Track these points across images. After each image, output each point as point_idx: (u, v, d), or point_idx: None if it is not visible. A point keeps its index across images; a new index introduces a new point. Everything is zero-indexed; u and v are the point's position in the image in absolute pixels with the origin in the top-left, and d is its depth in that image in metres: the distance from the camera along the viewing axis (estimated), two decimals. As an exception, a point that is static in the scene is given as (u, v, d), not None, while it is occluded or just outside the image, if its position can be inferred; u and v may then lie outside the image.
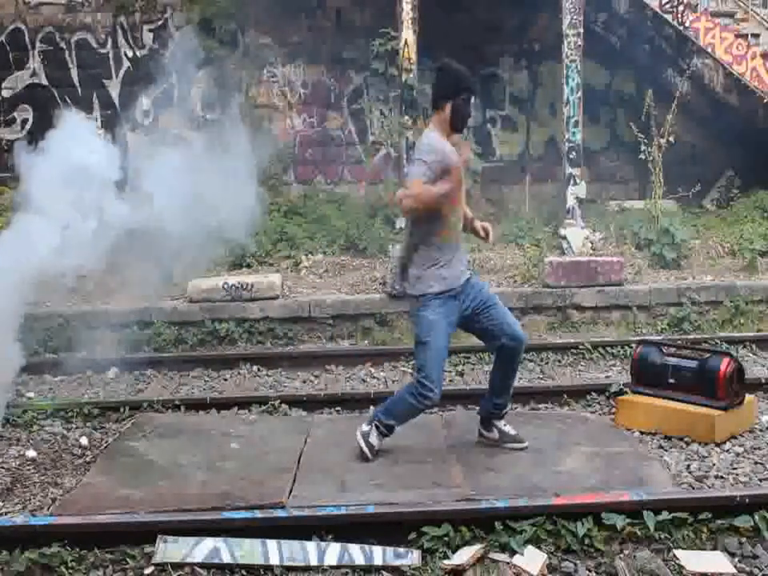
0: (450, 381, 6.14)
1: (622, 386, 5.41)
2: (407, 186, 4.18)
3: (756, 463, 4.41)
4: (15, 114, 10.49)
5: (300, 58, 10.47)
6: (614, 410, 5.17)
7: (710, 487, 4.13)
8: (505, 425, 4.63)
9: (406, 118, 9.23)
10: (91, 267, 5.39)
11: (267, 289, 7.48)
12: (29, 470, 4.58)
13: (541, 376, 6.26)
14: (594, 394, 5.52)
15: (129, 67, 10.48)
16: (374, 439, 4.44)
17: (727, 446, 4.64)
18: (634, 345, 5.68)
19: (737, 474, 4.27)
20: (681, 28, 10.16)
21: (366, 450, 4.42)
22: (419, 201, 4.09)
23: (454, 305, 4.30)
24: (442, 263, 4.26)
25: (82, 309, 7.45)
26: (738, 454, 4.53)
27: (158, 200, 5.35)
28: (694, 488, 4.13)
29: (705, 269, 8.40)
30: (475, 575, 3.36)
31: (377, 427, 4.45)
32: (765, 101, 9.68)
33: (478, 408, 4.78)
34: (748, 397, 4.93)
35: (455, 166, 4.15)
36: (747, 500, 3.70)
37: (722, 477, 4.25)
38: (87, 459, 4.72)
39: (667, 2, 10.95)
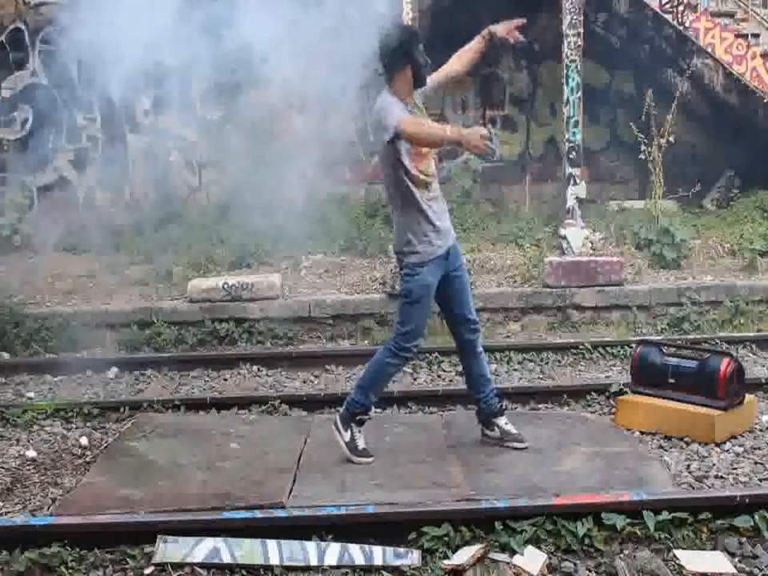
0: (450, 381, 6.14)
1: (622, 386, 5.41)
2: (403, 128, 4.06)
3: (756, 463, 4.41)
4: (15, 113, 10.49)
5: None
6: (613, 410, 5.17)
7: (710, 487, 4.13)
8: (506, 423, 4.62)
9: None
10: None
11: (267, 289, 7.48)
12: (29, 470, 4.57)
13: (541, 376, 6.27)
14: (594, 393, 5.51)
15: (129, 67, 10.46)
16: (360, 442, 4.45)
17: (727, 446, 4.63)
18: (633, 345, 5.68)
19: (737, 474, 4.27)
20: (681, 28, 10.17)
21: (361, 459, 4.41)
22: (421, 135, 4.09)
23: (444, 264, 4.35)
24: (436, 223, 4.28)
25: (82, 309, 7.46)
26: (737, 454, 4.53)
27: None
28: (694, 488, 4.13)
29: (705, 269, 8.40)
30: (475, 575, 3.36)
31: (357, 422, 4.43)
32: (765, 101, 9.68)
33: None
34: (748, 397, 4.93)
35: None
36: (747, 500, 3.70)
37: (722, 477, 4.24)
38: (87, 459, 4.72)
39: (667, 2, 10.95)
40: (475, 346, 4.53)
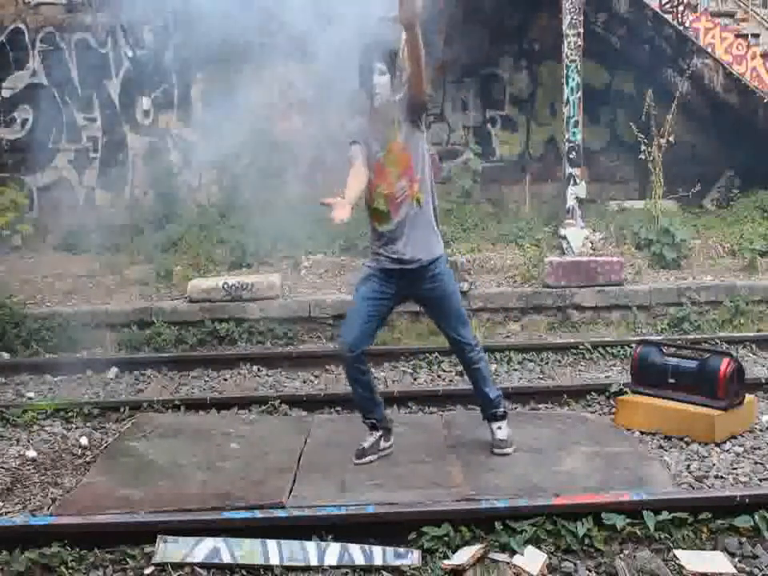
0: (450, 381, 6.15)
1: (622, 386, 5.41)
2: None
3: (756, 463, 4.41)
4: (15, 113, 10.50)
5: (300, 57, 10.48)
6: (614, 410, 5.17)
7: (710, 487, 4.13)
8: (499, 428, 4.52)
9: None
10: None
11: (267, 289, 7.48)
12: (29, 470, 4.58)
13: (541, 376, 6.26)
14: (594, 393, 5.51)
15: (129, 67, 10.49)
16: (366, 440, 4.47)
17: (727, 445, 4.64)
18: (633, 345, 5.68)
19: (737, 474, 4.27)
20: (681, 28, 10.17)
21: (368, 458, 4.45)
22: None
23: (397, 281, 4.31)
24: (376, 242, 4.40)
25: (82, 309, 7.46)
26: (738, 454, 4.53)
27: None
28: (694, 488, 4.13)
29: (705, 269, 8.40)
30: (475, 575, 3.36)
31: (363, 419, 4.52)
32: (765, 101, 9.68)
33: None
34: (748, 397, 4.93)
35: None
36: (747, 500, 3.70)
37: (722, 477, 4.24)
38: (87, 459, 4.72)
39: (667, 2, 10.96)
40: (466, 361, 4.45)
